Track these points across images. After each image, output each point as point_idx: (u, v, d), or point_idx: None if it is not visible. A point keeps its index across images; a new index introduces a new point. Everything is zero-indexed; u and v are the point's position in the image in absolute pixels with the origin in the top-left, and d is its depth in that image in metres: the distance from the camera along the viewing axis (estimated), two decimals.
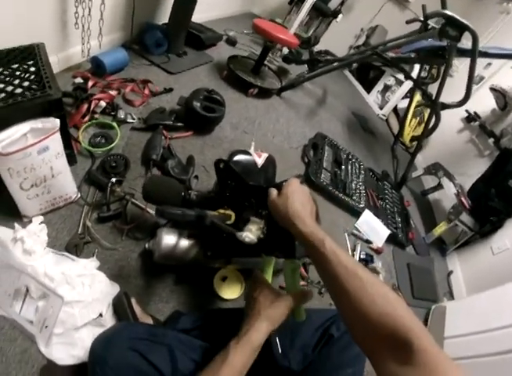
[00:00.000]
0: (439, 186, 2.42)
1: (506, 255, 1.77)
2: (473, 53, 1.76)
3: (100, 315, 0.80)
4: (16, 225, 0.86)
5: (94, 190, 1.13)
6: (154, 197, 0.94)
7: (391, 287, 1.53)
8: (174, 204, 0.86)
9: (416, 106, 3.06)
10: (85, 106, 1.33)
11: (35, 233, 0.88)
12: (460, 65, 3.02)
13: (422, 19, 2.07)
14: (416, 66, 2.72)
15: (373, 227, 1.78)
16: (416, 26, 2.17)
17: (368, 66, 3.77)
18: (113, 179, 1.11)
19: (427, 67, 2.62)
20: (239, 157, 0.88)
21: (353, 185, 1.95)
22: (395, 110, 3.54)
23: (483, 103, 2.57)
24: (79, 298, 0.79)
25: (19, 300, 0.80)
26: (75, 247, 0.96)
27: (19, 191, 0.89)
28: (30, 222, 0.92)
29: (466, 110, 2.65)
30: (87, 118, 1.32)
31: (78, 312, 0.78)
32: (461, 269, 1.98)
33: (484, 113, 2.60)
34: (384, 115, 3.57)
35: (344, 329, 0.75)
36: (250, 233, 0.69)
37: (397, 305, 0.46)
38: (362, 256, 1.58)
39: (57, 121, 0.89)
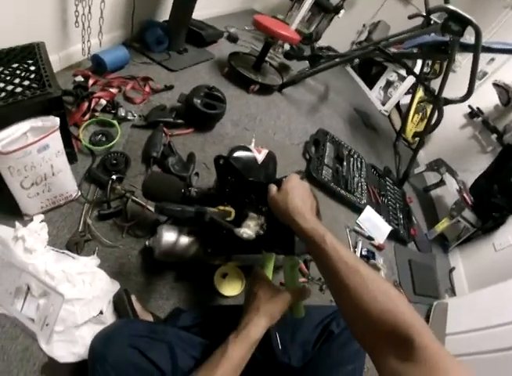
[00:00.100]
0: (441, 183, 2.41)
1: (509, 252, 1.76)
2: (476, 48, 1.74)
3: (101, 312, 0.81)
4: (17, 223, 0.87)
5: (94, 188, 1.13)
6: (154, 194, 0.94)
7: (392, 284, 1.53)
8: (174, 201, 0.86)
9: (419, 102, 3.04)
10: (86, 105, 1.32)
11: (36, 231, 0.88)
12: (463, 60, 3.00)
13: (424, 14, 2.05)
14: (419, 62, 2.70)
15: (375, 223, 1.78)
16: (419, 21, 2.16)
17: (370, 61, 3.74)
18: (114, 177, 1.11)
19: (430, 63, 2.60)
20: (239, 154, 0.88)
21: (355, 181, 1.95)
22: (398, 106, 3.52)
23: (486, 98, 2.55)
24: (79, 296, 0.79)
25: (20, 298, 0.81)
26: (76, 245, 0.96)
27: (19, 190, 0.90)
28: (31, 220, 0.94)
29: (469, 106, 2.63)
30: (87, 116, 1.32)
31: (79, 310, 0.78)
32: (463, 266, 1.98)
33: (487, 108, 2.58)
34: (387, 111, 3.55)
35: (344, 325, 0.76)
36: (248, 229, 0.69)
37: (398, 302, 0.46)
38: (363, 252, 1.57)
39: (57, 120, 0.89)
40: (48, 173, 0.92)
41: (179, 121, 1.52)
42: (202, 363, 0.57)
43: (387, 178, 2.22)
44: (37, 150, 0.85)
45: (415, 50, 2.22)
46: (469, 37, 1.83)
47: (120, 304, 0.84)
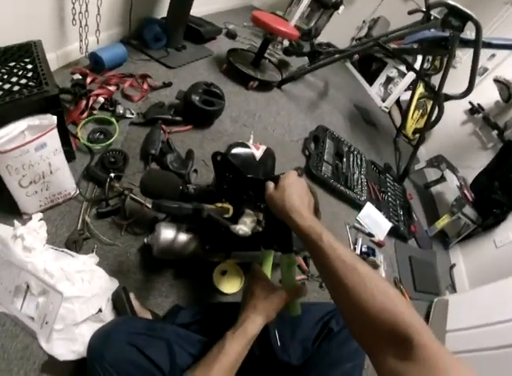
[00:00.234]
0: (442, 179, 2.40)
1: (509, 248, 1.76)
2: (476, 44, 1.73)
3: (100, 310, 0.81)
4: (16, 222, 0.87)
5: (93, 186, 1.13)
6: (152, 191, 0.93)
7: (390, 282, 1.53)
8: (172, 198, 0.86)
9: (419, 98, 3.03)
10: (84, 103, 1.32)
11: (35, 229, 0.88)
12: (464, 56, 2.97)
13: (424, 9, 2.04)
14: (419, 58, 2.68)
15: (375, 220, 1.78)
16: (419, 16, 2.14)
17: (370, 58, 3.72)
18: (112, 175, 1.10)
19: (430, 59, 2.59)
20: (237, 150, 0.88)
21: (355, 178, 1.94)
22: (398, 102, 3.51)
23: (487, 94, 2.53)
24: (79, 294, 0.79)
25: (19, 297, 0.81)
26: (74, 243, 0.96)
27: (18, 188, 0.90)
28: (30, 219, 0.93)
29: (470, 102, 2.62)
30: (85, 114, 1.31)
31: (78, 308, 0.78)
32: (464, 262, 1.98)
33: (487, 105, 2.57)
34: (387, 107, 3.54)
35: (344, 323, 0.75)
36: (245, 226, 0.69)
37: (397, 301, 0.45)
38: (363, 249, 1.57)
39: (54, 118, 0.89)
40: (46, 171, 0.92)
41: (178, 118, 1.52)
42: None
43: (387, 175, 2.22)
44: (34, 149, 0.85)
45: (415, 46, 2.21)
46: (469, 33, 1.81)
47: (118, 302, 0.84)
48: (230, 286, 1.08)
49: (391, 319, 0.43)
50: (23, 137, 0.85)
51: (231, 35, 2.79)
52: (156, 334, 0.65)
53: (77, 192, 1.07)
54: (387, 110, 3.54)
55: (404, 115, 2.92)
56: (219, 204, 0.74)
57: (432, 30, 2.03)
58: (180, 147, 1.42)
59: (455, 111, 2.73)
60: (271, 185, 0.66)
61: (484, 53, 2.45)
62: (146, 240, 1.01)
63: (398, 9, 3.48)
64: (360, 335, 0.48)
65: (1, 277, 0.83)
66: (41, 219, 0.95)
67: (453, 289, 1.84)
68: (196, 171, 1.33)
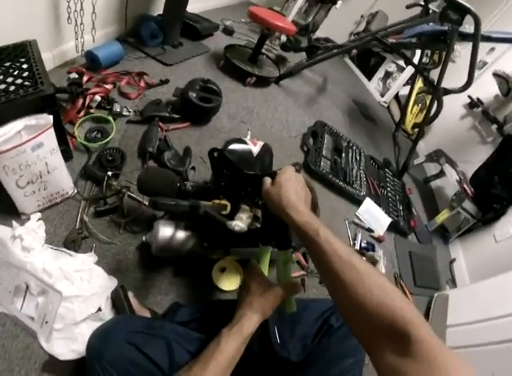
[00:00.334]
0: (441, 174, 2.40)
1: (509, 243, 1.76)
2: (475, 37, 1.72)
3: (99, 309, 0.82)
4: (14, 222, 0.87)
5: (91, 185, 1.13)
6: (149, 189, 0.93)
7: (390, 278, 1.53)
8: (170, 196, 0.86)
9: (418, 93, 3.01)
10: (80, 101, 1.31)
11: (33, 229, 0.88)
12: (463, 50, 2.95)
13: (422, 3, 2.03)
14: (418, 53, 2.66)
15: (374, 215, 1.78)
16: (417, 10, 2.13)
17: (369, 52, 3.70)
18: (109, 173, 1.10)
19: (429, 53, 2.57)
20: (234, 146, 0.87)
21: (353, 173, 1.94)
22: (397, 97, 3.49)
23: (486, 88, 2.52)
24: (78, 293, 0.80)
25: (19, 297, 0.81)
26: (73, 242, 0.96)
27: (15, 189, 0.90)
28: (28, 219, 0.93)
29: (469, 96, 2.61)
30: (82, 113, 1.31)
31: (77, 307, 0.78)
32: (464, 257, 1.98)
33: (487, 99, 2.55)
34: (386, 102, 3.53)
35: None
36: (241, 222, 0.69)
37: (394, 296, 0.45)
38: (363, 244, 1.57)
39: (50, 117, 0.89)
40: (44, 171, 0.92)
41: (175, 115, 1.51)
42: None
43: (386, 170, 2.21)
44: (31, 149, 0.85)
45: (413, 40, 2.20)
46: (468, 27, 1.80)
47: (117, 300, 0.84)
48: (229, 283, 1.08)
49: (388, 315, 0.43)
50: (20, 137, 0.84)
51: (228, 31, 2.78)
52: (155, 332, 0.65)
53: (75, 191, 1.07)
54: (385, 105, 3.53)
55: (403, 110, 2.91)
56: (217, 201, 0.74)
57: (431, 24, 2.02)
58: (178, 144, 1.42)
59: (454, 105, 2.72)
60: (268, 180, 0.66)
61: (484, 47, 2.43)
62: (144, 238, 1.01)
63: (396, 4, 3.42)
64: (358, 331, 0.48)
65: (1, 278, 0.83)
66: (39, 219, 0.95)
67: (453, 284, 1.84)
68: (193, 168, 1.33)
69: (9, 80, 0.90)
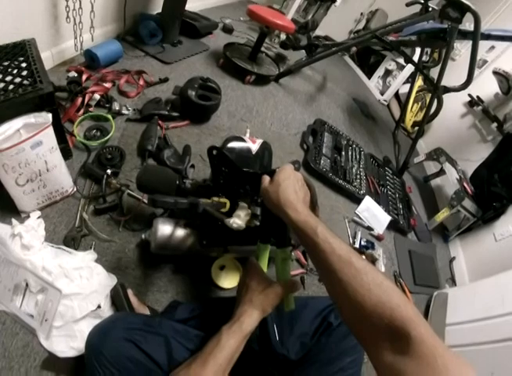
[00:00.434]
0: (441, 172, 2.39)
1: (509, 242, 1.75)
2: (475, 35, 1.71)
3: (99, 306, 0.82)
4: (14, 221, 0.87)
5: (90, 183, 1.13)
6: (148, 187, 0.93)
7: (390, 276, 1.53)
8: (169, 193, 0.86)
9: (418, 91, 3.01)
10: (80, 100, 1.32)
11: (33, 227, 0.89)
12: (463, 49, 2.95)
13: (422, 0, 2.02)
14: (418, 51, 2.66)
15: (374, 214, 1.77)
16: (417, 8, 2.13)
17: (368, 51, 3.69)
18: (109, 171, 1.11)
19: (429, 51, 2.57)
20: (233, 144, 0.87)
21: (353, 171, 1.94)
22: (397, 95, 3.48)
23: (486, 87, 2.51)
24: (77, 291, 0.80)
25: (19, 295, 0.82)
26: (73, 240, 0.96)
27: (15, 187, 0.90)
28: (28, 217, 0.94)
29: (469, 95, 2.60)
30: (81, 112, 1.31)
31: (77, 305, 0.79)
32: (463, 256, 1.97)
33: (487, 97, 2.54)
34: (386, 100, 3.52)
35: None
36: (238, 219, 0.69)
37: (394, 294, 0.45)
38: (362, 243, 1.57)
39: (49, 116, 0.89)
40: (43, 169, 0.92)
41: (174, 113, 1.52)
42: None
43: (386, 168, 2.21)
44: (30, 147, 0.85)
45: (413, 38, 2.19)
46: (468, 25, 1.79)
47: (117, 298, 0.84)
48: (228, 281, 1.08)
49: (387, 313, 0.42)
50: (19, 135, 0.85)
51: (227, 30, 2.77)
52: (154, 329, 0.65)
53: (75, 189, 1.07)
54: (385, 103, 3.52)
55: (403, 108, 2.90)
56: (216, 199, 0.74)
57: (430, 21, 2.01)
58: (177, 143, 1.42)
59: (454, 104, 2.71)
60: (266, 179, 0.66)
61: (484, 45, 2.43)
62: (143, 236, 1.01)
63: (396, 1, 3.40)
64: (357, 329, 0.48)
65: (1, 276, 0.83)
66: (39, 217, 0.96)
67: (453, 282, 1.84)
68: (193, 166, 1.33)
69: (8, 79, 0.90)
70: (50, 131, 0.90)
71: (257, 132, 1.80)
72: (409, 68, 3.22)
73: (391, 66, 3.50)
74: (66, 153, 1.12)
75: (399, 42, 2.23)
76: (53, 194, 1.01)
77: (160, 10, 1.99)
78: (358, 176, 1.93)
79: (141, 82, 1.62)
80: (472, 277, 1.80)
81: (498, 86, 2.38)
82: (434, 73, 2.14)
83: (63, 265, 0.82)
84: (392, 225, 1.81)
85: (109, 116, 1.32)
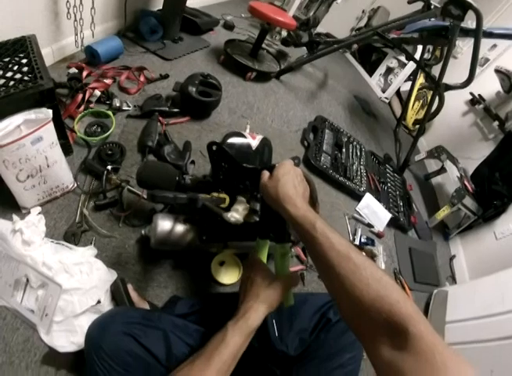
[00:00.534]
0: (442, 170, 2.39)
1: (510, 240, 1.75)
2: (476, 33, 1.70)
3: (99, 301, 0.82)
4: (15, 216, 0.87)
5: (90, 179, 1.13)
6: (148, 182, 0.93)
7: (390, 273, 1.53)
8: (169, 189, 0.86)
9: (420, 89, 3.00)
10: (80, 96, 1.31)
11: (34, 223, 0.89)
12: (465, 47, 2.94)
13: None
14: (420, 48, 2.65)
15: (374, 211, 1.77)
16: (419, 6, 2.11)
17: (370, 48, 3.68)
18: (109, 167, 1.11)
19: (431, 49, 2.56)
20: (232, 140, 0.87)
21: (354, 168, 1.93)
22: (398, 92, 3.48)
23: (488, 85, 2.50)
24: (77, 286, 0.80)
25: (19, 290, 0.82)
26: (73, 236, 0.96)
27: (15, 182, 0.90)
28: (29, 213, 0.94)
29: (471, 93, 2.59)
30: (82, 108, 1.31)
31: (77, 300, 0.79)
32: (464, 254, 1.97)
33: (488, 95, 2.53)
34: (387, 98, 3.51)
35: None
36: (236, 213, 0.69)
37: (393, 290, 0.44)
38: (362, 240, 1.57)
39: (49, 112, 0.89)
40: (43, 165, 0.92)
41: (175, 109, 1.51)
42: (197, 350, 0.57)
43: (387, 166, 2.21)
44: (30, 142, 0.85)
45: (415, 35, 2.18)
46: (470, 23, 1.79)
47: (117, 293, 0.85)
48: (228, 276, 1.08)
49: (386, 308, 0.42)
50: (20, 131, 0.85)
51: (228, 26, 2.77)
52: (153, 323, 0.65)
53: (75, 185, 1.07)
54: (387, 101, 3.51)
55: (404, 106, 2.90)
56: (215, 194, 0.74)
57: (432, 19, 2.00)
58: (177, 139, 1.42)
59: (456, 102, 2.70)
60: (266, 174, 0.65)
61: (486, 43, 2.42)
62: (143, 232, 1.02)
63: None
64: (355, 325, 0.48)
65: (1, 271, 0.84)
66: (39, 213, 0.96)
67: (453, 280, 1.84)
68: (193, 162, 1.33)
69: (9, 75, 0.90)
70: (50, 126, 0.90)
71: (257, 129, 1.80)
72: (411, 66, 3.21)
73: (393, 63, 3.49)
74: (67, 150, 1.12)
75: (401, 39, 2.22)
76: (54, 190, 1.01)
77: (160, 6, 1.98)
78: (359, 173, 1.93)
79: (141, 79, 1.62)
80: (472, 275, 1.79)
81: (500, 84, 2.37)
82: (436, 71, 2.13)
83: (63, 260, 0.83)
84: (392, 223, 1.81)
85: (110, 112, 1.31)
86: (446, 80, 1.93)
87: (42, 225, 0.91)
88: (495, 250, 1.81)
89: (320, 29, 3.59)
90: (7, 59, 0.95)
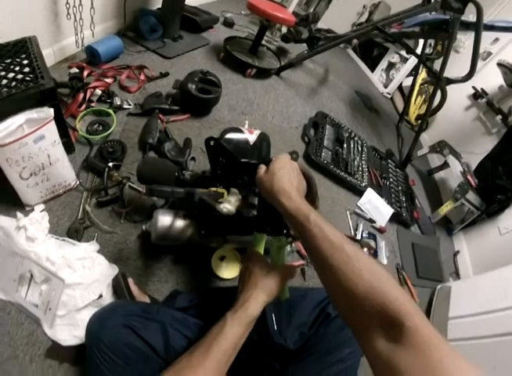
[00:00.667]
0: (445, 165, 2.37)
1: None
2: (477, 26, 1.69)
3: (100, 296, 0.83)
4: (19, 213, 0.89)
5: (92, 176, 1.15)
6: (148, 178, 0.94)
7: (392, 269, 1.53)
8: (168, 184, 0.86)
9: (422, 84, 2.98)
10: (81, 96, 1.33)
11: (37, 220, 0.90)
12: (467, 41, 2.91)
13: None
14: (421, 43, 2.63)
15: (376, 206, 1.77)
16: (419, 0, 2.10)
17: (371, 43, 3.66)
18: (111, 164, 1.12)
19: (433, 43, 2.54)
20: (230, 135, 0.87)
21: (355, 163, 1.93)
22: (400, 88, 3.45)
23: (490, 79, 2.47)
24: (80, 281, 0.81)
25: (24, 285, 0.84)
26: (76, 232, 0.98)
27: (19, 180, 0.91)
28: (32, 210, 0.96)
29: (473, 87, 2.57)
30: (83, 107, 1.33)
31: (79, 294, 0.80)
32: (468, 249, 1.95)
33: (491, 89, 2.51)
34: (389, 93, 3.49)
35: None
36: (229, 204, 0.70)
37: (387, 281, 0.44)
38: (364, 235, 1.57)
39: (51, 110, 0.90)
40: (46, 163, 0.94)
41: (175, 107, 1.52)
42: (195, 342, 0.57)
43: (389, 161, 2.20)
44: (33, 141, 0.87)
45: (416, 29, 2.16)
46: (472, 16, 1.77)
47: (118, 287, 0.86)
48: (228, 271, 1.09)
49: (379, 300, 0.42)
50: (22, 130, 0.86)
51: (228, 24, 2.76)
52: (152, 316, 0.66)
53: (77, 182, 1.09)
54: (389, 96, 3.49)
55: (406, 101, 2.88)
56: (213, 189, 0.75)
57: (433, 13, 1.99)
58: (178, 136, 1.43)
59: (458, 96, 2.68)
60: (262, 168, 0.66)
61: (488, 37, 2.40)
62: (144, 227, 1.03)
63: None
64: (349, 317, 0.47)
65: (6, 267, 0.85)
66: (42, 210, 0.98)
67: (457, 276, 1.82)
68: (193, 158, 1.34)
69: (11, 75, 0.92)
70: (52, 125, 0.91)
71: (258, 125, 1.80)
72: (413, 61, 3.18)
73: (395, 58, 3.47)
74: (69, 148, 1.13)
75: (402, 34, 2.21)
76: (56, 187, 1.02)
77: (160, 5, 1.98)
78: (360, 169, 1.93)
79: (142, 77, 1.63)
80: (476, 271, 1.78)
81: (502, 78, 2.35)
82: (438, 65, 2.11)
83: (66, 255, 0.84)
84: (395, 218, 1.81)
85: (111, 111, 1.33)
86: (449, 74, 1.92)
87: (46, 222, 0.93)
88: (499, 245, 1.79)
89: (321, 25, 3.57)
90: (8, 61, 0.96)
